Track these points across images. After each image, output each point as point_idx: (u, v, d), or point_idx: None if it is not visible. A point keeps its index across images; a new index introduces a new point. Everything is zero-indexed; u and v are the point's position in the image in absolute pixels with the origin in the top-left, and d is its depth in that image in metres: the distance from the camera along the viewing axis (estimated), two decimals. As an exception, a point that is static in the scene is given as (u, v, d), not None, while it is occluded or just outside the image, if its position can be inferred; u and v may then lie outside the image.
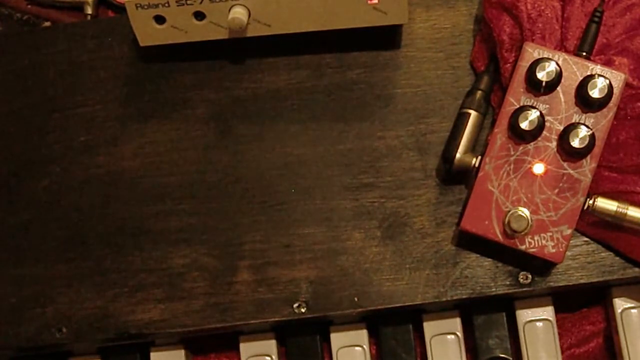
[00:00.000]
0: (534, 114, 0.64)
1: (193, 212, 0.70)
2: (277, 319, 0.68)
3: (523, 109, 0.65)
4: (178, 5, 0.67)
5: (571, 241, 0.66)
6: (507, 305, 0.70)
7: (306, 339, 0.72)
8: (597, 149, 0.64)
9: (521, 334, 0.69)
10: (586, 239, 0.67)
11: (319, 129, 0.70)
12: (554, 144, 0.65)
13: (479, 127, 0.68)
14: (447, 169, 0.68)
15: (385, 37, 0.71)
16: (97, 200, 0.71)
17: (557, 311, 0.70)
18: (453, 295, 0.67)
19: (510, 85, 0.66)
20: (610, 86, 0.64)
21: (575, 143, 0.64)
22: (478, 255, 0.68)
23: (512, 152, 0.65)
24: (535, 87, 0.65)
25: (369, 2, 0.66)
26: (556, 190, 0.65)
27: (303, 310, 0.68)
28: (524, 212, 0.65)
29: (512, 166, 0.65)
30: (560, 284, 0.67)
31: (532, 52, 0.65)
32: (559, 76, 0.65)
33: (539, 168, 0.65)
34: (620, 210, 0.64)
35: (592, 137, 0.64)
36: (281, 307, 0.68)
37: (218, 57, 0.72)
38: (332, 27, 0.68)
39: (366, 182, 0.69)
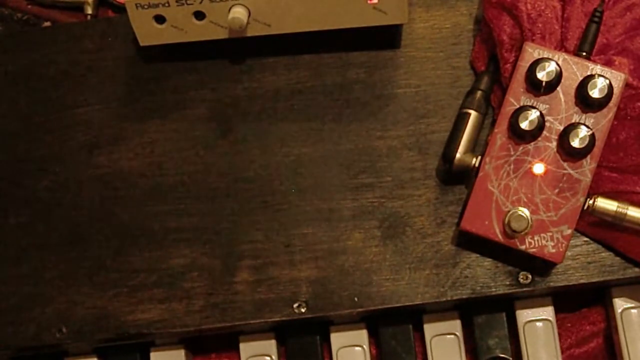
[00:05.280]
0: (534, 114, 0.64)
1: (193, 212, 0.70)
2: (277, 319, 0.68)
3: (523, 109, 0.65)
4: (178, 5, 0.67)
5: (571, 241, 0.66)
6: (507, 305, 0.70)
7: (306, 339, 0.72)
8: (597, 149, 0.64)
9: (521, 334, 0.69)
10: (586, 239, 0.67)
11: (319, 129, 0.70)
12: (554, 144, 0.65)
13: (479, 127, 0.68)
14: (447, 169, 0.68)
15: (385, 37, 0.71)
16: (97, 200, 0.71)
17: (557, 311, 0.70)
18: (453, 295, 0.67)
19: (510, 85, 0.66)
20: (610, 86, 0.64)
21: (575, 143, 0.64)
22: (478, 255, 0.68)
23: (512, 152, 0.65)
24: (535, 87, 0.65)
25: (369, 2, 0.67)
26: (556, 190, 0.65)
27: (303, 310, 0.68)
28: (524, 212, 0.65)
29: (512, 166, 0.65)
30: (560, 284, 0.67)
31: (532, 52, 0.65)
32: (559, 76, 0.65)
33: (539, 168, 0.65)
34: (620, 210, 0.64)
35: (592, 137, 0.64)
36: (281, 307, 0.68)
37: (218, 57, 0.72)
38: (332, 27, 0.68)
39: (366, 182, 0.69)
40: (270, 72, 0.72)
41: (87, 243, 0.71)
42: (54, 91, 0.73)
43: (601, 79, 0.64)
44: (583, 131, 0.64)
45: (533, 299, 0.69)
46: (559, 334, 0.71)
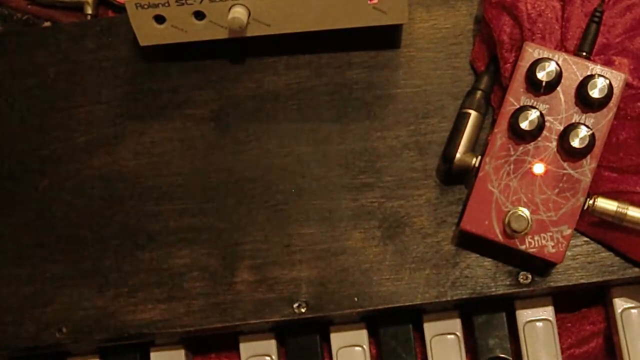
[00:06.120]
0: (534, 114, 0.64)
1: (193, 212, 0.70)
2: (277, 319, 0.68)
3: (523, 109, 0.65)
4: (178, 5, 0.67)
5: (571, 241, 0.66)
6: (507, 305, 0.70)
7: (306, 339, 0.72)
8: (597, 149, 0.64)
9: (521, 334, 0.69)
10: (586, 239, 0.67)
11: (319, 129, 0.70)
12: (554, 144, 0.65)
13: (479, 127, 0.68)
14: (447, 169, 0.68)
15: (385, 37, 0.71)
16: (97, 200, 0.71)
17: (557, 311, 0.70)
18: (453, 295, 0.67)
19: (510, 85, 0.66)
20: (610, 86, 0.64)
21: (575, 143, 0.64)
22: (478, 255, 0.68)
23: (512, 152, 0.65)
24: (535, 87, 0.65)
25: (369, 1, 0.67)
26: (556, 190, 0.65)
27: (303, 310, 0.68)
28: (524, 212, 0.65)
29: (512, 166, 0.65)
30: (560, 284, 0.67)
31: (532, 52, 0.65)
32: (559, 76, 0.65)
33: (539, 168, 0.65)
34: (620, 210, 0.64)
35: (592, 137, 0.64)
36: (281, 307, 0.68)
37: (218, 57, 0.72)
38: (332, 27, 0.68)
39: (366, 182, 0.69)
40: (270, 72, 0.72)
41: (87, 243, 0.71)
42: (54, 91, 0.73)
43: (601, 79, 0.64)
44: (583, 131, 0.64)
45: (533, 299, 0.69)
46: (559, 334, 0.71)
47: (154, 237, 0.70)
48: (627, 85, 0.66)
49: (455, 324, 0.70)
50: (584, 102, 0.65)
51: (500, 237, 0.65)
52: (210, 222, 0.70)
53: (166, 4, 0.67)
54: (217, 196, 0.70)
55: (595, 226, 0.66)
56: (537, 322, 0.69)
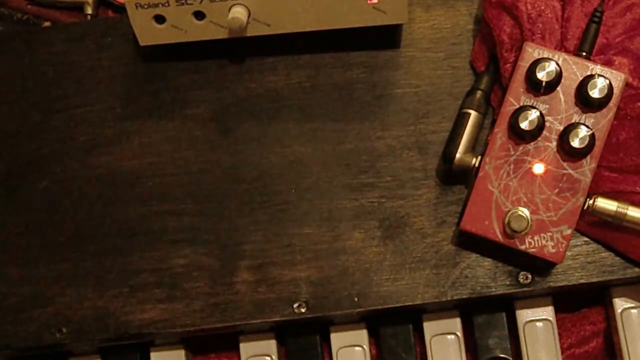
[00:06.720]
0: (534, 114, 0.64)
1: (193, 212, 0.70)
2: (277, 319, 0.68)
3: (523, 109, 0.65)
4: (178, 5, 0.67)
5: (571, 241, 0.66)
6: (507, 305, 0.70)
7: (306, 339, 0.72)
8: (597, 149, 0.64)
9: (521, 334, 0.69)
10: (586, 239, 0.67)
11: (319, 129, 0.70)
12: (554, 144, 0.65)
13: (479, 127, 0.68)
14: (447, 169, 0.68)
15: (385, 37, 0.71)
16: (97, 200, 0.71)
17: (557, 311, 0.70)
18: (453, 295, 0.67)
19: (510, 85, 0.66)
20: (610, 86, 0.64)
21: (575, 143, 0.64)
22: (478, 255, 0.68)
23: (512, 152, 0.65)
24: (535, 87, 0.65)
25: (369, 1, 0.67)
26: (556, 190, 0.65)
27: (303, 310, 0.68)
28: (524, 212, 0.65)
29: (512, 166, 0.65)
30: (560, 284, 0.67)
31: (532, 52, 0.65)
32: (559, 76, 0.65)
33: (539, 168, 0.65)
34: (620, 210, 0.64)
35: (592, 137, 0.64)
36: (281, 307, 0.68)
37: (218, 57, 0.72)
38: (332, 27, 0.68)
39: (366, 182, 0.69)
40: (270, 72, 0.72)
41: (87, 243, 0.71)
42: (54, 91, 0.73)
43: (601, 79, 0.64)
44: (583, 131, 0.64)
45: (533, 299, 0.69)
46: (559, 334, 0.71)
47: (154, 237, 0.70)
48: (627, 85, 0.66)
49: (455, 324, 0.70)
50: (584, 102, 0.65)
51: (500, 237, 0.65)
52: (210, 222, 0.70)
53: (166, 4, 0.67)
54: (217, 196, 0.70)
55: (595, 226, 0.66)
56: (537, 322, 0.69)
